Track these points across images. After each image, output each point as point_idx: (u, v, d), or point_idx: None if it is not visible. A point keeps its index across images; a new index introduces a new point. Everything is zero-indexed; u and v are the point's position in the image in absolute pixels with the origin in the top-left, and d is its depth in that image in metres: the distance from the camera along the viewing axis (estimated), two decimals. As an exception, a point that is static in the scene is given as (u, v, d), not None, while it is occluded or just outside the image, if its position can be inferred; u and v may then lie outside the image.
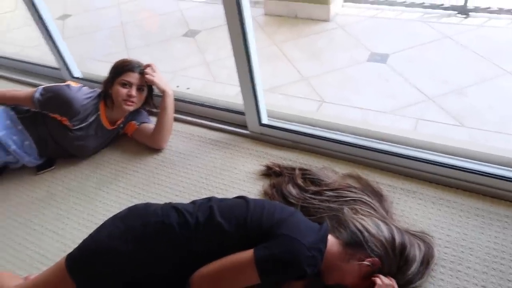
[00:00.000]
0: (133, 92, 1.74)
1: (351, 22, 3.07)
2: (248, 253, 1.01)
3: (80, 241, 1.20)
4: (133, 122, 1.90)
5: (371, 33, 2.93)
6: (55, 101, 1.73)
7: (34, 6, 2.12)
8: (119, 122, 1.88)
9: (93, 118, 1.80)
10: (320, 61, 2.70)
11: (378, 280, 1.05)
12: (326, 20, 3.10)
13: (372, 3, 3.19)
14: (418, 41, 2.73)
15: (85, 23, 3.73)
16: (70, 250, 1.19)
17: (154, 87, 1.84)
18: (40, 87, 1.79)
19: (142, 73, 1.76)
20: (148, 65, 1.82)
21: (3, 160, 1.77)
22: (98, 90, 1.85)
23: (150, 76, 1.77)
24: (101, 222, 1.22)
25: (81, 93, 1.78)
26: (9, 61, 2.69)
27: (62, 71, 2.37)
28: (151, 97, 1.88)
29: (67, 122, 1.75)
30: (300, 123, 1.83)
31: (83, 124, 1.78)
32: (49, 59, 2.35)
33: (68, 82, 1.89)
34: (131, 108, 1.77)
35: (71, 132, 1.76)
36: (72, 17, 3.83)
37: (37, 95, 1.75)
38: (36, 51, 3.07)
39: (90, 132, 1.81)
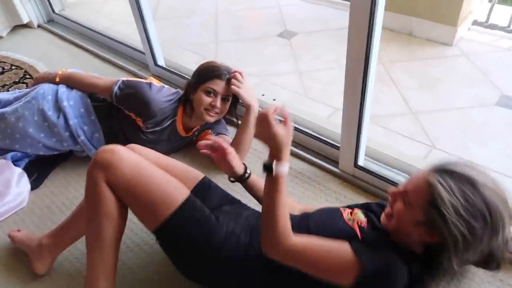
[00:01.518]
0: (218, 102, 1.60)
1: (480, 51, 2.68)
2: (349, 253, 0.95)
3: None
4: (209, 131, 1.77)
5: (505, 69, 2.52)
6: (133, 99, 1.62)
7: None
8: (194, 129, 1.76)
9: (168, 122, 1.68)
10: (434, 94, 2.37)
11: None
12: (447, 44, 2.73)
13: (509, 31, 2.74)
14: None
15: (180, 5, 3.69)
16: None
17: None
18: (120, 79, 1.68)
19: (229, 82, 1.59)
20: (237, 72, 1.62)
21: (70, 148, 1.73)
22: (180, 92, 1.73)
23: (236, 86, 1.59)
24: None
25: (161, 95, 1.64)
26: (99, 36, 2.67)
27: (147, 55, 2.29)
28: (235, 107, 1.71)
29: (140, 123, 1.65)
30: (401, 171, 1.54)
31: (158, 128, 1.67)
32: (138, 39, 2.27)
33: (150, 79, 1.78)
34: (212, 119, 1.64)
35: (143, 134, 1.67)
36: (165, -4, 3.78)
37: (115, 88, 1.64)
38: (128, 28, 3.02)
39: (163, 137, 1.70)
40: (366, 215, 1.12)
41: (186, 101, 1.67)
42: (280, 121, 1.01)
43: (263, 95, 2.20)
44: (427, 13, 2.74)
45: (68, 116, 1.65)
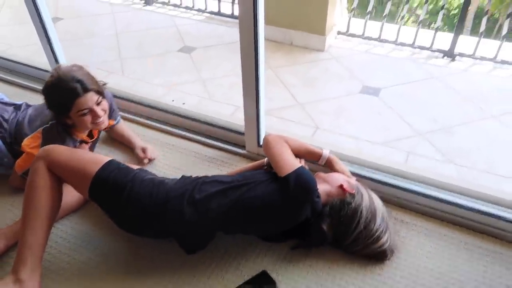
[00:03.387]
0: (98, 112, 1.53)
1: (345, 55, 3.17)
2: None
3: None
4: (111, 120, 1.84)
5: (363, 66, 3.03)
6: None
7: (35, 4, 2.08)
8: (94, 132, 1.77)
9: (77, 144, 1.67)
10: (314, 89, 2.77)
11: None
12: (320, 50, 3.19)
13: (364, 38, 3.32)
14: (407, 79, 2.85)
15: (78, 28, 3.67)
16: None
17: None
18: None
19: (88, 90, 1.49)
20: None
21: None
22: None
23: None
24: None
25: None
26: None
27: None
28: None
29: None
30: None
31: None
32: (37, 60, 2.28)
33: None
34: (104, 125, 1.61)
35: None
36: (64, 20, 3.77)
37: None
38: (24, 51, 2.99)
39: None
40: None
41: (65, 126, 1.58)
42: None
43: (173, 100, 2.43)
44: (303, 26, 3.16)
45: None
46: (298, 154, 1.54)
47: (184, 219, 1.28)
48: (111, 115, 1.80)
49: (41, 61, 2.32)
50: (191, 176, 1.46)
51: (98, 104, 1.53)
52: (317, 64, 3.06)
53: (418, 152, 2.17)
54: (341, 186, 1.39)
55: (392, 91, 2.70)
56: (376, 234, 1.35)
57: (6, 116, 1.72)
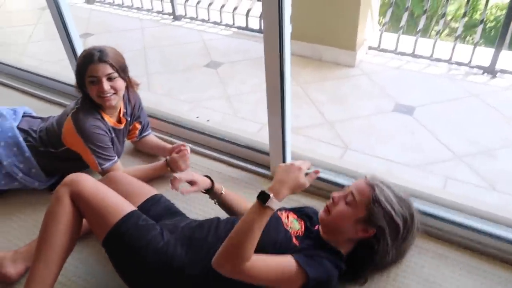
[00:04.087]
0: (104, 86, 1.51)
1: (376, 71, 3.06)
2: (295, 266, 1.09)
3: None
4: (137, 122, 1.87)
5: (396, 83, 2.91)
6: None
7: (63, 22, 2.11)
8: (121, 116, 1.74)
9: (110, 129, 1.68)
10: (344, 107, 2.67)
11: None
12: (351, 66, 3.09)
13: (396, 53, 3.19)
14: (444, 97, 2.70)
15: (107, 43, 3.70)
16: None
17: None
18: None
19: (103, 60, 1.51)
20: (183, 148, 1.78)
21: (8, 187, 1.70)
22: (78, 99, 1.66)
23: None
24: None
25: (89, 125, 1.58)
26: (28, 74, 2.65)
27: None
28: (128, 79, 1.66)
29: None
30: (324, 168, 1.77)
31: (113, 140, 1.70)
32: (68, 75, 2.31)
33: None
34: (113, 102, 1.58)
35: None
36: (94, 36, 3.84)
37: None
38: (56, 66, 3.04)
39: (114, 141, 1.72)
40: (300, 221, 1.32)
41: (89, 99, 1.59)
42: (306, 173, 1.11)
43: (197, 117, 2.38)
44: (332, 41, 3.08)
45: (1, 157, 1.61)
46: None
47: None
48: (144, 129, 1.90)
49: (70, 76, 2.32)
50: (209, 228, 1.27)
51: (109, 79, 1.52)
52: (347, 81, 2.97)
53: (456, 177, 2.01)
54: (359, 236, 1.22)
55: (427, 110, 2.56)
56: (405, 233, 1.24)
57: (35, 127, 1.74)
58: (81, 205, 1.24)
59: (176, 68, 3.25)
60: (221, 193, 1.46)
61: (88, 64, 1.50)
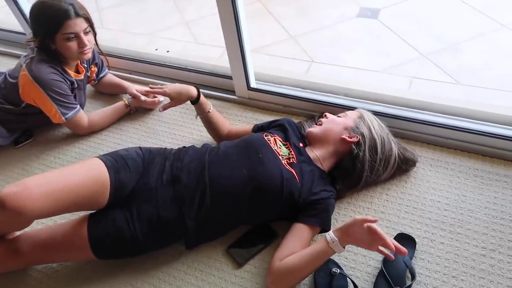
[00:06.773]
0: (84, 40, 1.49)
1: None
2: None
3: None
4: (93, 65, 1.79)
5: None
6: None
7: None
8: (79, 67, 1.69)
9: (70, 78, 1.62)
10: (307, 18, 2.58)
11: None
12: None
13: None
14: (409, -6, 2.61)
15: None
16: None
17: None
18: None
19: (79, 15, 1.47)
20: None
21: None
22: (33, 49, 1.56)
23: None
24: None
25: (45, 73, 1.52)
26: None
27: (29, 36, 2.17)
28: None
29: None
30: (290, 85, 1.75)
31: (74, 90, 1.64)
32: (12, 22, 2.16)
33: None
34: (90, 55, 1.57)
35: None
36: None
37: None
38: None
39: (75, 92, 1.66)
40: (287, 145, 1.32)
41: (49, 52, 1.53)
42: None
43: (156, 49, 2.29)
44: None
45: None
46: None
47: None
48: (100, 70, 1.83)
49: (13, 22, 2.18)
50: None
51: (85, 33, 1.51)
52: (310, -11, 2.82)
53: (422, 76, 2.01)
54: (343, 140, 1.30)
55: (393, 11, 2.49)
56: (386, 156, 1.33)
57: None
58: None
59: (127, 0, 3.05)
60: (209, 111, 1.48)
61: (64, 20, 1.44)
